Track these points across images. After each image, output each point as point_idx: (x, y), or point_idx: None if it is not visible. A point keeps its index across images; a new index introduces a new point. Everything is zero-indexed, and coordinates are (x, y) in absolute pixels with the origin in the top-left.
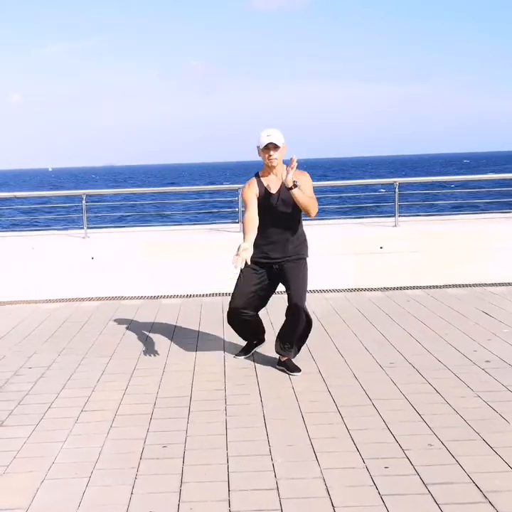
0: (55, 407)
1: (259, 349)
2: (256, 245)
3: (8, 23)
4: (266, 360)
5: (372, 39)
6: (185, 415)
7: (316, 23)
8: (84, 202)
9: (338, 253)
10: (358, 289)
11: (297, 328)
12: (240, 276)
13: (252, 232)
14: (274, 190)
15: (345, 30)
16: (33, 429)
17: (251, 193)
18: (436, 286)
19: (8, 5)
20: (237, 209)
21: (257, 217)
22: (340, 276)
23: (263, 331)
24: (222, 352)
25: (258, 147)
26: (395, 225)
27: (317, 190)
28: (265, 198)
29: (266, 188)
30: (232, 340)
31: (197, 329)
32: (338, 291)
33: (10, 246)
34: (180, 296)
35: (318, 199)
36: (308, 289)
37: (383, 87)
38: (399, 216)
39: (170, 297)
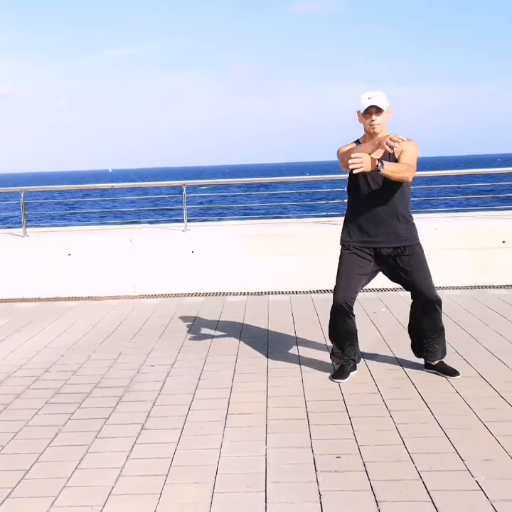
0: (196, 409)
1: (400, 349)
2: (358, 226)
3: (75, 27)
4: (412, 363)
5: (414, 41)
6: (347, 421)
7: (354, 25)
8: (184, 193)
9: (455, 247)
10: (479, 286)
11: (437, 325)
12: (341, 262)
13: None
14: (377, 157)
15: (385, 32)
16: (180, 434)
17: (346, 148)
18: None
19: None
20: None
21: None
22: (458, 272)
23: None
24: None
25: (358, 112)
26: None
27: (433, 180)
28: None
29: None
30: (368, 336)
31: (320, 327)
32: (456, 288)
33: (108, 239)
34: (288, 293)
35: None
36: None
37: (434, 88)
38: None
39: (277, 293)
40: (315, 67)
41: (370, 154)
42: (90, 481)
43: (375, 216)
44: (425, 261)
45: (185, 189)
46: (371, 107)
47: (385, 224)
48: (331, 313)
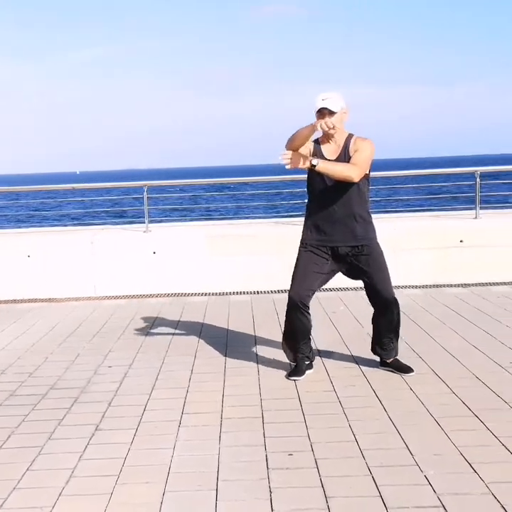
0: (152, 409)
1: (357, 347)
2: (315, 226)
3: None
4: (368, 360)
5: (377, 42)
6: (301, 419)
7: (319, 28)
8: (145, 194)
9: (414, 247)
10: (437, 285)
11: (392, 324)
12: (298, 260)
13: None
14: (331, 157)
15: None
16: (134, 434)
17: (305, 147)
18: None
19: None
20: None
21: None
22: (417, 272)
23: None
24: (315, 349)
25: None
26: (476, 218)
27: (389, 181)
28: None
29: (323, 154)
30: (326, 335)
31: (279, 326)
32: (415, 287)
33: (68, 241)
34: (250, 293)
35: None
36: None
37: (396, 90)
38: (480, 208)
39: (239, 294)
40: (280, 68)
41: (308, 137)
42: (41, 482)
43: (332, 216)
44: (384, 261)
45: (146, 190)
46: (323, 108)
47: (342, 223)
48: (286, 310)
